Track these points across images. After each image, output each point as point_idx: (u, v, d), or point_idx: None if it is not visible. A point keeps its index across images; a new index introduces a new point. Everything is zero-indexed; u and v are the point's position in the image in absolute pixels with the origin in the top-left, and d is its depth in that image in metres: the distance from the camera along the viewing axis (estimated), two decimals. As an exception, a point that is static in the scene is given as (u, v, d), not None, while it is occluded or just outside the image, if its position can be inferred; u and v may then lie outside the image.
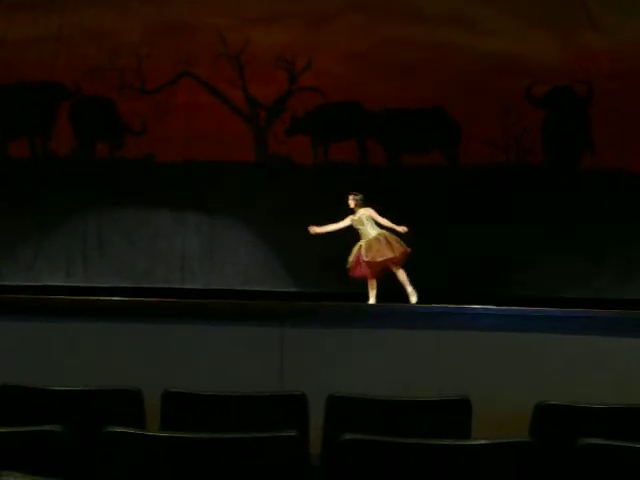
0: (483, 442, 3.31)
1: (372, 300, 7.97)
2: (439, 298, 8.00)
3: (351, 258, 8.07)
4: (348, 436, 3.22)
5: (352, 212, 8.10)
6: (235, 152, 9.87)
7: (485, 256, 9.62)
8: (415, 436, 3.36)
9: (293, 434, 3.23)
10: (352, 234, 8.46)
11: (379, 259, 7.96)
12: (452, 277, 8.98)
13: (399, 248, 7.97)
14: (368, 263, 7.97)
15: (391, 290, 8.04)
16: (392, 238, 7.98)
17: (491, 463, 3.27)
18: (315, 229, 8.16)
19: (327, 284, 9.44)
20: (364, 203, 8.08)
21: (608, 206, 9.75)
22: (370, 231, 8.04)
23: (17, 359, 5.31)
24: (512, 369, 5.47)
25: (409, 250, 7.93)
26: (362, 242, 8.06)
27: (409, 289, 7.96)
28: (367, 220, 8.05)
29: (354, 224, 8.10)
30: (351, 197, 8.08)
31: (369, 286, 8.02)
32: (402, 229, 7.92)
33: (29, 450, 3.16)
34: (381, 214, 8.14)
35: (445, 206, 9.57)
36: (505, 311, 6.03)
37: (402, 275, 8.02)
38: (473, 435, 4.14)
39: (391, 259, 7.98)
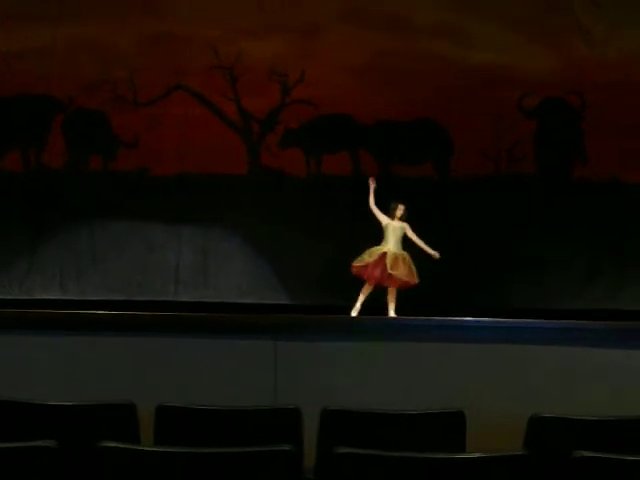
0: (478, 455, 3.31)
1: (392, 313, 8.09)
2: (431, 310, 8.04)
3: (370, 259, 8.09)
4: (342, 449, 3.22)
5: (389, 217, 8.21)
6: (228, 165, 9.87)
7: (477, 267, 9.64)
8: (409, 449, 3.35)
9: (287, 448, 3.22)
10: (347, 249, 8.52)
11: (404, 279, 8.07)
12: (444, 288, 8.98)
13: (416, 277, 8.09)
14: (391, 277, 8.05)
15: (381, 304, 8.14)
16: (413, 265, 8.11)
17: (486, 476, 3.26)
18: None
19: (321, 297, 9.45)
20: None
21: (601, 217, 9.78)
22: (397, 245, 8.13)
23: (10, 373, 5.29)
24: (506, 381, 5.47)
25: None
26: (388, 251, 8.10)
27: (392, 310, 8.10)
28: (401, 234, 8.17)
29: (391, 230, 8.15)
30: (402, 207, 8.16)
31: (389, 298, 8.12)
32: (435, 254, 8.05)
33: (22, 466, 3.14)
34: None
35: (437, 217, 9.58)
36: (498, 323, 6.04)
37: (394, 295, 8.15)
38: (468, 448, 4.13)
39: (409, 284, 8.09)
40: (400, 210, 8.22)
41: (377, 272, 8.11)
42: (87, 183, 9.97)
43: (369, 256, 8.15)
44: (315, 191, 9.87)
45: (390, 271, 8.06)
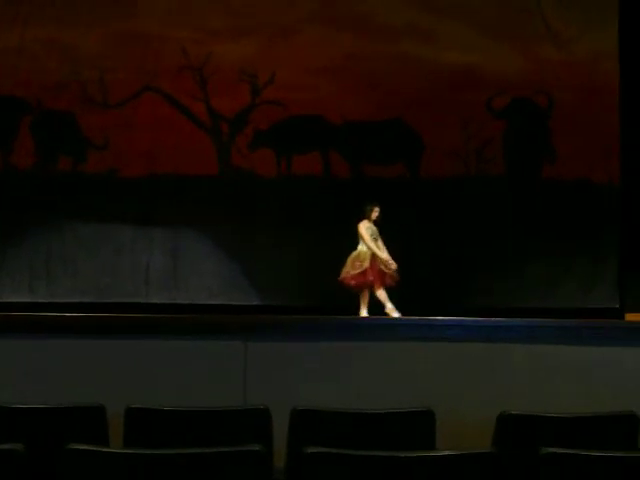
0: (447, 453, 3.33)
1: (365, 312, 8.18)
2: (404, 309, 8.08)
3: (366, 264, 8.13)
4: (312, 449, 3.22)
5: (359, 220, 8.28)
6: (198, 166, 9.84)
7: (449, 267, 9.68)
8: (379, 448, 3.36)
9: (256, 448, 3.22)
10: (318, 249, 8.52)
11: (396, 277, 8.14)
12: (416, 288, 9.00)
13: None
14: (388, 276, 8.08)
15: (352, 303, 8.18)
16: None
17: (455, 474, 3.28)
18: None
19: (291, 298, 9.46)
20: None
21: (570, 216, 9.85)
22: (376, 246, 8.22)
23: (-22, 377, 5.25)
24: (476, 380, 5.49)
25: None
26: (381, 254, 8.16)
27: (364, 310, 8.16)
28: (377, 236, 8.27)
29: (371, 233, 8.21)
30: (377, 208, 8.25)
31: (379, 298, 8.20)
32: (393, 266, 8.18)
33: (-11, 469, 3.12)
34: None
35: (408, 217, 9.62)
36: (469, 322, 6.06)
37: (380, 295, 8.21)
38: (437, 446, 4.15)
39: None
40: (376, 212, 8.28)
41: (376, 274, 8.17)
42: (56, 185, 9.90)
43: (361, 262, 8.19)
44: (286, 191, 9.87)
45: (387, 270, 8.16)
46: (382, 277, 8.21)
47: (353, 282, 8.20)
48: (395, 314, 8.07)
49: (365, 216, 8.32)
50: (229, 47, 9.88)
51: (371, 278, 8.17)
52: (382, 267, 8.17)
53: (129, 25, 9.95)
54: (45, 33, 9.87)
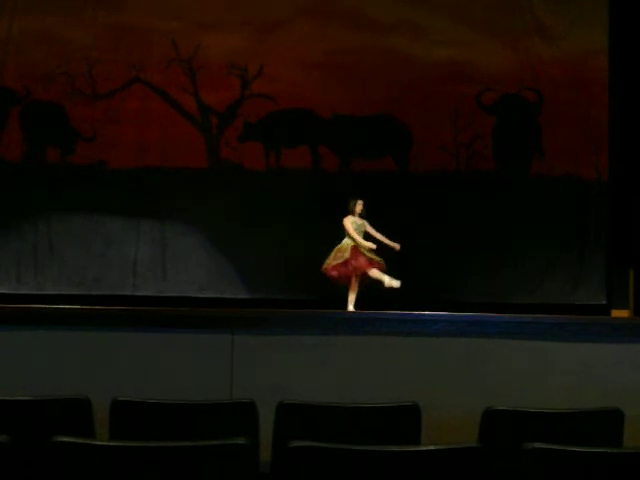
0: (432, 448, 3.33)
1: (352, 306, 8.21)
2: (390, 304, 8.08)
3: (347, 254, 8.16)
4: (297, 443, 3.22)
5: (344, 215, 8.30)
6: (187, 158, 9.84)
7: (436, 262, 9.69)
8: (365, 442, 3.36)
9: (242, 442, 3.22)
10: (306, 242, 8.51)
11: (382, 265, 8.19)
12: (404, 283, 9.00)
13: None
14: (374, 263, 8.11)
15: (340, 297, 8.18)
16: None
17: (440, 469, 3.28)
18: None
19: (279, 291, 9.46)
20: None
21: (558, 212, 9.88)
22: (363, 238, 8.24)
23: (-36, 368, 5.24)
24: (461, 375, 5.50)
25: None
26: (364, 243, 8.18)
27: (351, 304, 8.18)
28: (363, 230, 8.27)
29: (356, 227, 8.23)
30: (361, 202, 8.29)
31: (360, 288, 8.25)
32: (396, 246, 8.29)
33: (-26, 462, 3.11)
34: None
35: (397, 211, 9.62)
36: (454, 317, 6.07)
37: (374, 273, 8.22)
38: (422, 441, 4.16)
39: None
40: (359, 205, 8.31)
41: (359, 262, 8.18)
42: (44, 176, 9.88)
43: (342, 252, 8.21)
44: (274, 185, 9.87)
45: (371, 256, 8.19)
46: (370, 264, 8.23)
47: (335, 273, 8.24)
48: (395, 283, 8.11)
49: (349, 211, 8.34)
50: (218, 40, 9.87)
51: (351, 268, 8.19)
52: (367, 254, 8.20)
53: (118, 17, 9.93)
54: (32, 24, 9.84)
